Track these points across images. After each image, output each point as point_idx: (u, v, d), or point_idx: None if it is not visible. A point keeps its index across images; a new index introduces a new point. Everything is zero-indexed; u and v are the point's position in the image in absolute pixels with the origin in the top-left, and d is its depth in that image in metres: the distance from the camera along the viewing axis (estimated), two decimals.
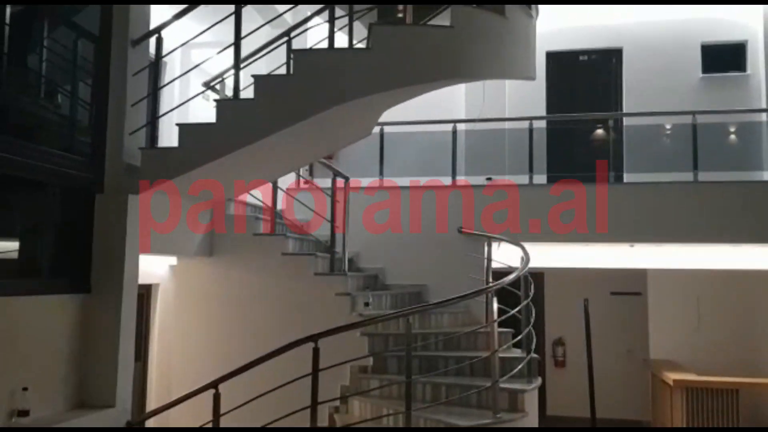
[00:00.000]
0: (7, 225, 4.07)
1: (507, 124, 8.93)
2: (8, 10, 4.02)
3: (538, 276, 9.69)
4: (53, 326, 4.04)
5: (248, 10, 4.95)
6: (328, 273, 5.82)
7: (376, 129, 7.91)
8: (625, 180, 8.46)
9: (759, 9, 9.26)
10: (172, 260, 5.97)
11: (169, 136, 6.48)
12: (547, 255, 8.16)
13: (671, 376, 8.65)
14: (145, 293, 5.89)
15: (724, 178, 7.53)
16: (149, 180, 4.49)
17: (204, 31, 4.96)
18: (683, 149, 7.79)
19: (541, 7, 5.96)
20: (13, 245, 4.10)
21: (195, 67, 5.34)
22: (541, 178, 8.23)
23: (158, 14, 5.10)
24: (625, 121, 9.15)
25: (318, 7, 5.67)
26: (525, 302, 5.36)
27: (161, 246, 5.15)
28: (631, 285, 10.35)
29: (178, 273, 6.01)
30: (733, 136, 8.49)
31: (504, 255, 6.89)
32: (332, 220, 6.12)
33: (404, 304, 6.56)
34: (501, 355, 5.14)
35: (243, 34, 4.79)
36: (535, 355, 5.52)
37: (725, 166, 8.04)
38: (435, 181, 7.89)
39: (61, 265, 4.25)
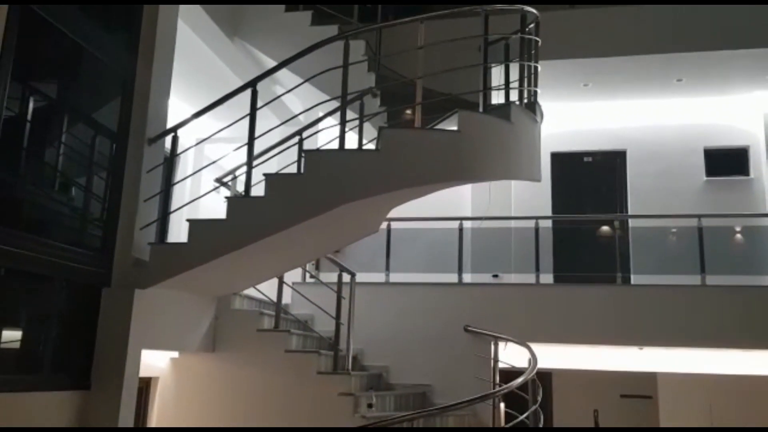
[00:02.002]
0: (9, 316, 4.05)
1: (513, 223, 9.00)
2: (31, 105, 4.20)
3: (545, 376, 9.48)
4: (51, 424, 3.95)
5: (263, 109, 5.12)
6: (332, 372, 5.71)
7: (384, 225, 7.99)
8: (632, 282, 8.42)
9: (760, 115, 9.48)
10: (174, 353, 5.89)
11: (178, 228, 6.57)
12: (555, 356, 8.02)
13: None
14: (144, 387, 5.77)
15: (732, 282, 7.48)
16: (157, 276, 4.50)
17: (220, 131, 5.11)
18: (690, 252, 7.80)
19: (546, 111, 6.13)
20: (15, 335, 4.07)
21: (209, 165, 5.47)
22: (547, 278, 8.20)
23: (174, 105, 5.30)
24: (631, 222, 9.21)
25: (330, 107, 5.88)
26: (533, 408, 5.23)
27: (164, 340, 5.11)
28: (641, 388, 10.10)
29: (179, 367, 5.91)
30: (739, 240, 8.51)
31: (511, 355, 6.79)
32: (337, 317, 6.07)
33: (408, 406, 6.40)
34: None
35: (257, 133, 4.94)
36: None
37: (733, 270, 8.01)
38: (441, 278, 7.90)
39: (62, 359, 4.21)
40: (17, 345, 4.04)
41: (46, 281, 4.13)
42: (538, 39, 5.61)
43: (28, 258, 3.79)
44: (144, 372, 4.80)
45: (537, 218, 8.31)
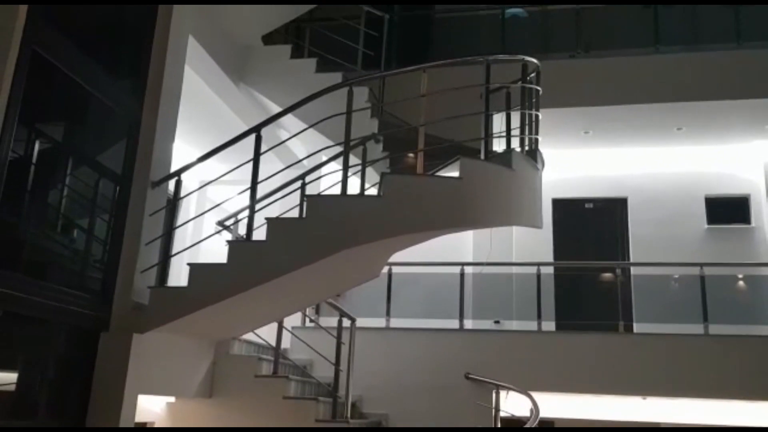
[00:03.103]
0: (6, 359, 4.00)
1: (514, 269, 8.97)
2: (36, 147, 4.23)
3: (548, 425, 9.32)
4: None
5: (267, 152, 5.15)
6: (330, 419, 5.62)
7: (384, 269, 7.96)
8: (635, 330, 8.34)
9: (760, 164, 9.53)
10: (170, 398, 5.80)
11: (179, 270, 6.55)
12: (558, 404, 7.90)
13: None
14: None
15: (735, 332, 7.42)
16: (156, 320, 4.47)
17: (223, 175, 5.14)
18: (692, 300, 7.76)
19: (547, 157, 6.17)
20: (11, 378, 4.01)
21: (211, 209, 5.47)
22: (549, 325, 8.14)
23: (179, 147, 5.32)
24: (633, 270, 9.17)
25: (333, 152, 5.92)
26: None
27: (161, 386, 5.04)
28: None
29: (175, 412, 5.81)
30: (742, 290, 8.46)
31: (512, 403, 6.69)
32: (337, 363, 6.00)
33: None
34: None
35: (260, 176, 4.96)
36: None
37: (736, 320, 7.95)
38: (442, 324, 7.84)
39: (57, 404, 4.14)
40: (12, 388, 3.98)
41: (44, 324, 4.10)
42: (539, 88, 5.68)
43: (27, 301, 3.77)
44: (139, 417, 4.73)
45: (539, 264, 8.29)
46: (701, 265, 7.92)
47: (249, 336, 6.16)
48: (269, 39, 7.78)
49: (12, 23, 3.66)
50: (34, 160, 4.16)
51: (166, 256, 4.94)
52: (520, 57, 5.52)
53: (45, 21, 3.92)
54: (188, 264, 4.71)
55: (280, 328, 6.07)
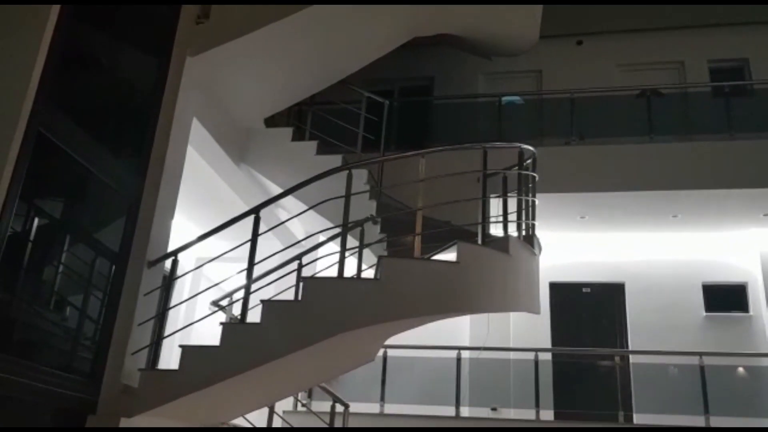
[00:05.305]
0: None
1: (512, 354, 8.82)
2: (35, 223, 4.23)
3: None
4: None
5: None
6: None
7: (379, 352, 7.83)
8: (635, 420, 8.13)
9: (756, 253, 9.54)
10: None
11: (170, 350, 6.43)
12: None
13: None
14: None
15: (736, 424, 7.23)
16: (145, 403, 4.35)
17: (221, 255, 5.13)
18: (693, 390, 7.60)
19: (543, 240, 6.17)
20: None
21: (207, 289, 5.43)
22: (548, 414, 7.94)
23: (177, 223, 5.31)
24: (632, 358, 9.01)
25: (331, 233, 5.94)
26: None
27: None
28: None
29: None
30: (743, 380, 8.31)
31: None
32: None
33: None
34: None
35: (258, 255, 4.94)
36: None
37: (738, 412, 7.76)
38: (438, 411, 7.65)
39: None
40: None
41: (29, 406, 3.98)
42: (535, 174, 5.76)
43: (13, 383, 3.67)
44: None
45: (536, 350, 8.17)
46: (701, 354, 7.81)
47: (238, 420, 5.98)
48: (271, 121, 7.93)
49: (19, 105, 3.74)
50: (32, 237, 4.15)
51: (158, 337, 4.86)
52: (517, 144, 5.62)
53: (52, 103, 4.00)
54: (180, 346, 4.63)
55: (271, 413, 5.92)
